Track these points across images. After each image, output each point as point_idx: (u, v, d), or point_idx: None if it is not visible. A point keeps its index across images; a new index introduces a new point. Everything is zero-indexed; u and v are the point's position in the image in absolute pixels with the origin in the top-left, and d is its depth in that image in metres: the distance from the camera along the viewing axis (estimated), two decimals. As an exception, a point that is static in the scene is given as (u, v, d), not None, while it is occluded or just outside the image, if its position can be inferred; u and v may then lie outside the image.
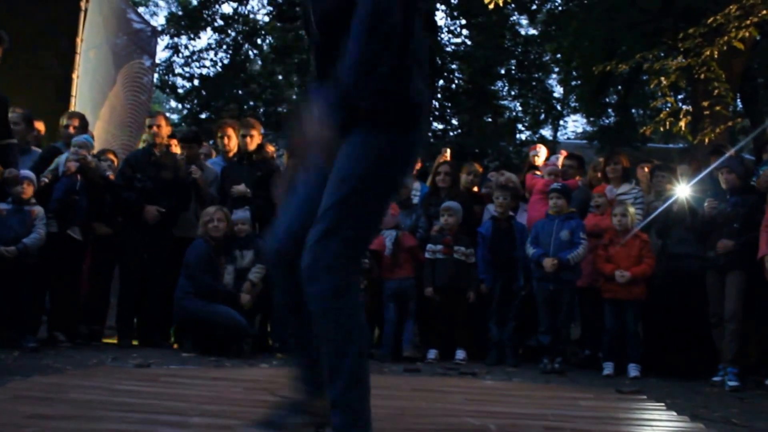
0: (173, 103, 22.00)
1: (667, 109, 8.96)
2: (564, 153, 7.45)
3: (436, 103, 15.52)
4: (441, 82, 15.56)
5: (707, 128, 8.28)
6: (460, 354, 6.15)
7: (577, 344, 6.66)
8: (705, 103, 8.50)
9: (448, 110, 16.03)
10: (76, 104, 8.06)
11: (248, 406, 3.30)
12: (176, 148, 6.76)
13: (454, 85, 15.93)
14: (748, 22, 7.74)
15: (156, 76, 14.80)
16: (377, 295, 6.34)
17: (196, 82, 16.44)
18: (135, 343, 6.23)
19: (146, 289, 6.23)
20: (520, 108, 17.12)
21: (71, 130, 6.47)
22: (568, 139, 21.57)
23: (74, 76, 8.23)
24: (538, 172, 7.17)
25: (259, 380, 4.32)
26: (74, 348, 5.69)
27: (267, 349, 6.20)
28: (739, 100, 13.79)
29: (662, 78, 8.67)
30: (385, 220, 6.35)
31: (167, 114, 13.82)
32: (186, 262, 5.87)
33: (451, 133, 15.66)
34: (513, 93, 16.86)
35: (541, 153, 7.68)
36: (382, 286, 6.33)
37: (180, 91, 16.83)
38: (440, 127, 15.95)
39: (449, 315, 6.28)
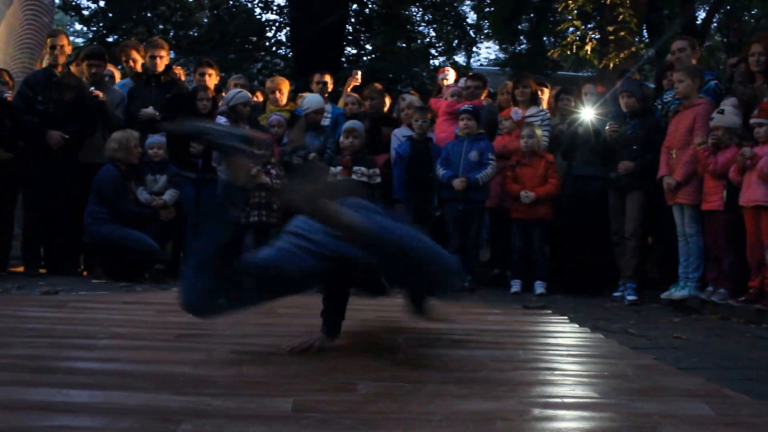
0: (78, 26, 20.95)
1: (576, 34, 9.12)
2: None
3: (350, 28, 15.30)
4: (355, 6, 15.30)
5: (612, 53, 8.49)
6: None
7: (487, 265, 6.84)
8: (610, 28, 8.69)
9: (362, 35, 15.83)
10: (-32, 24, 7.63)
11: (159, 327, 3.31)
12: (76, 70, 6.50)
13: (367, 10, 15.70)
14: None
15: (58, -5, 14.05)
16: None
17: (101, 3, 15.64)
18: (42, 271, 6.09)
19: (52, 216, 6.05)
20: (434, 34, 17.01)
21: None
22: (481, 65, 21.68)
23: (-36, -7, 7.77)
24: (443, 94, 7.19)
25: (170, 303, 4.31)
26: (-23, 278, 5.52)
27: (179, 275, 6.15)
28: (645, 31, 14.13)
29: (569, 1, 8.81)
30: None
31: (71, 38, 13.21)
32: (97, 187, 5.75)
33: (365, 58, 15.49)
34: (427, 18, 16.72)
35: (450, 76, 7.70)
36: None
37: (85, 12, 15.97)
38: (353, 51, 15.75)
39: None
